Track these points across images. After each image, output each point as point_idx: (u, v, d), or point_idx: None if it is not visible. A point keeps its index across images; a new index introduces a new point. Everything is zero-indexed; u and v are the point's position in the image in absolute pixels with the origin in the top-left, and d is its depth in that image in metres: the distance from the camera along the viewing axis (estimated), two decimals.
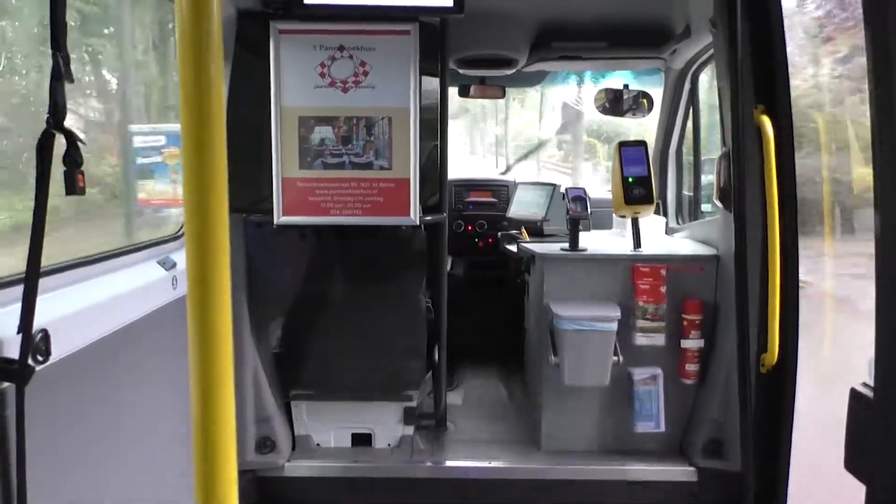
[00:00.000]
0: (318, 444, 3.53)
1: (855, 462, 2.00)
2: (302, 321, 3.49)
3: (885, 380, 1.86)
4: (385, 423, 3.52)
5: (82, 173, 1.56)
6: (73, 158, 1.55)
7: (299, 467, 3.40)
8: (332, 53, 3.02)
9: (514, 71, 4.50)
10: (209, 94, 0.91)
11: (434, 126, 3.28)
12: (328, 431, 3.53)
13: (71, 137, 1.55)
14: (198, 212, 0.92)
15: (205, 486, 0.95)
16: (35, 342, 1.64)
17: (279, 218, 3.06)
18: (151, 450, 2.46)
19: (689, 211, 4.60)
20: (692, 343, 3.33)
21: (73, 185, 1.55)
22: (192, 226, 0.92)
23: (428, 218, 3.20)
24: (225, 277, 0.94)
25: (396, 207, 3.08)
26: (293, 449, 3.49)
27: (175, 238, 2.90)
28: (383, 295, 3.48)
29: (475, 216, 5.04)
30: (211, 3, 0.90)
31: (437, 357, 3.49)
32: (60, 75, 1.51)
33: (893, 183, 1.77)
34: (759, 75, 2.92)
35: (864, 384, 1.93)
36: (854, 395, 1.97)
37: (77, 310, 1.96)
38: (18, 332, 1.58)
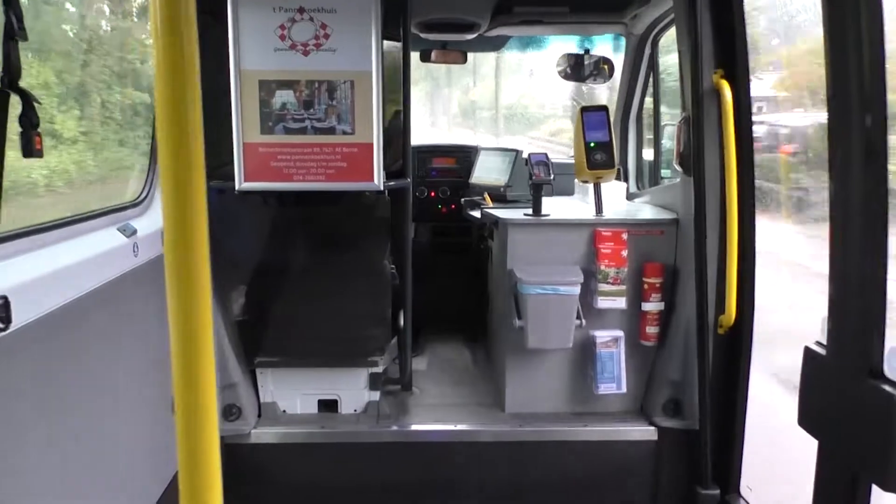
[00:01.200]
0: (284, 411, 3.53)
1: (808, 418, 2.07)
2: (265, 288, 3.46)
3: (837, 338, 1.93)
4: (351, 388, 3.54)
5: (39, 135, 1.52)
6: (30, 120, 1.50)
7: (266, 434, 3.40)
8: (291, 15, 2.96)
9: (475, 35, 4.47)
10: (183, 64, 0.89)
11: (397, 90, 3.26)
12: (294, 398, 3.53)
13: (27, 98, 1.50)
14: (175, 181, 0.91)
15: (188, 451, 0.95)
16: None
17: (241, 184, 3.02)
18: (116, 417, 2.44)
19: (650, 176, 4.66)
20: (652, 306, 3.40)
21: (31, 148, 1.51)
22: (170, 196, 0.91)
23: (391, 183, 3.18)
24: (203, 246, 0.93)
25: (360, 173, 3.06)
26: (259, 416, 3.48)
27: (135, 204, 2.84)
28: (347, 261, 3.47)
29: (438, 182, 5.03)
30: None
31: (401, 323, 3.50)
32: (14, 33, 1.46)
33: (847, 150, 1.82)
34: (719, 40, 2.95)
35: (818, 342, 2.00)
36: (808, 352, 2.04)
37: (37, 276, 1.92)
38: None
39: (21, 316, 1.75)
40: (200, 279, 0.93)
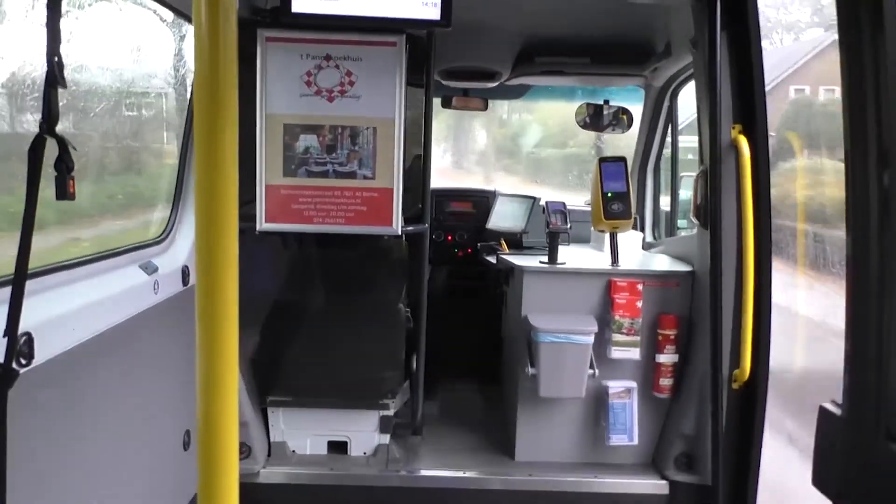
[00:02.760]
0: (293, 451, 3.52)
1: (822, 478, 2.04)
2: (281, 328, 3.49)
3: (853, 397, 1.91)
4: (361, 431, 3.53)
5: (73, 179, 1.56)
6: (65, 164, 1.55)
7: (275, 474, 3.39)
8: (318, 62, 3.04)
9: (496, 84, 4.54)
10: (223, 108, 0.92)
11: (418, 136, 3.31)
12: (304, 438, 3.53)
13: (63, 143, 1.55)
14: (209, 223, 0.93)
15: (207, 483, 0.97)
16: (19, 345, 1.64)
17: (262, 224, 3.06)
18: (135, 452, 2.45)
19: (666, 227, 4.67)
20: (667, 358, 3.39)
21: (65, 191, 1.55)
22: (203, 238, 0.94)
23: (410, 228, 3.21)
24: (233, 285, 0.96)
25: (379, 217, 3.10)
26: (269, 455, 3.48)
27: (157, 242, 2.89)
28: (363, 303, 3.49)
29: (455, 226, 5.06)
30: (229, 23, 0.91)
31: (414, 366, 3.50)
32: (55, 81, 1.52)
33: (864, 205, 1.83)
34: (738, 96, 2.99)
35: (833, 402, 1.98)
36: (823, 412, 2.02)
37: (60, 313, 1.95)
38: (3, 336, 1.58)
39: (44, 352, 1.78)
40: (229, 318, 0.96)
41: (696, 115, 3.34)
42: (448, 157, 10.12)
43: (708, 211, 3.04)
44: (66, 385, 1.97)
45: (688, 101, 4.25)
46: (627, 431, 3.42)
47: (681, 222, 4.52)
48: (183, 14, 2.83)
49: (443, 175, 8.45)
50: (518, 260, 3.65)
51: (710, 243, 3.00)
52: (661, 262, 3.70)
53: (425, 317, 3.44)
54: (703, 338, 3.21)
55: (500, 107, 8.54)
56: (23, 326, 1.64)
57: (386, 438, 3.54)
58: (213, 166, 0.93)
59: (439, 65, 4.15)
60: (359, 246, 3.41)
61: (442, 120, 8.17)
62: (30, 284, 1.80)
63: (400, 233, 3.14)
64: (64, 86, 1.53)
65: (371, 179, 3.09)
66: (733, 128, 2.98)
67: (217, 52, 0.91)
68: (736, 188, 2.94)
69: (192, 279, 3.03)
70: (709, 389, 3.05)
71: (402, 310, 3.51)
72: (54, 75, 1.51)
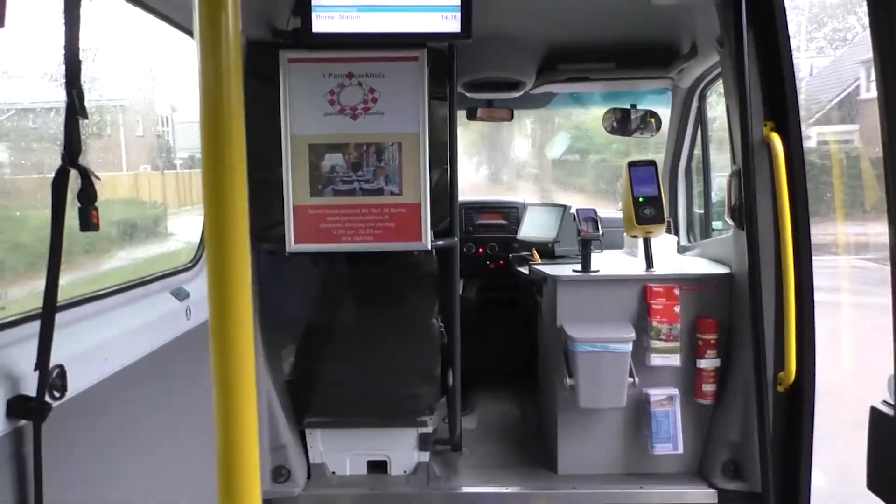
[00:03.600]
0: (333, 473, 3.50)
1: (877, 481, 1.96)
2: (315, 348, 3.48)
3: None
4: (400, 449, 3.50)
5: (96, 209, 1.57)
6: (88, 195, 1.56)
7: (315, 496, 3.37)
8: (341, 81, 3.04)
9: (521, 93, 4.52)
10: (230, 127, 0.91)
11: (444, 150, 3.29)
12: (343, 459, 3.51)
13: (86, 174, 1.56)
14: (219, 243, 0.92)
15: None
16: (51, 378, 1.64)
17: (291, 246, 3.07)
18: (171, 483, 2.45)
19: (701, 229, 4.59)
20: (708, 363, 3.31)
21: (88, 222, 1.56)
22: (214, 257, 0.92)
23: (439, 242, 3.19)
24: (247, 308, 0.94)
25: (408, 233, 3.08)
26: (308, 478, 3.46)
27: (187, 269, 2.90)
28: (396, 320, 3.47)
29: (486, 238, 5.04)
30: (230, 38, 0.90)
31: (451, 381, 3.47)
32: (75, 112, 1.53)
33: None
34: (768, 92, 2.92)
35: (885, 402, 1.91)
36: (874, 413, 1.95)
37: (92, 344, 1.96)
38: (35, 369, 1.58)
39: (77, 383, 1.78)
40: (243, 341, 0.94)
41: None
42: (483, 171, 9.50)
43: (743, 211, 2.97)
44: (101, 415, 1.97)
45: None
46: (671, 440, 3.35)
47: (716, 224, 4.44)
48: (187, 31, 2.83)
49: (477, 191, 7.98)
50: (551, 269, 3.61)
51: (746, 244, 2.93)
52: (698, 266, 3.62)
53: (459, 331, 3.40)
54: (744, 341, 3.13)
55: (549, 112, 7.76)
56: (55, 359, 1.64)
57: (426, 456, 3.50)
58: (221, 184, 0.91)
59: (462, 77, 4.14)
60: (389, 262, 3.39)
61: (475, 130, 7.86)
62: (62, 316, 1.81)
63: (430, 247, 3.12)
64: (85, 116, 1.54)
65: (398, 195, 3.07)
66: (765, 125, 2.92)
67: (221, 70, 0.90)
68: (770, 186, 2.87)
69: None
70: (753, 394, 2.97)
71: (435, 324, 3.48)
72: (75, 106, 1.52)
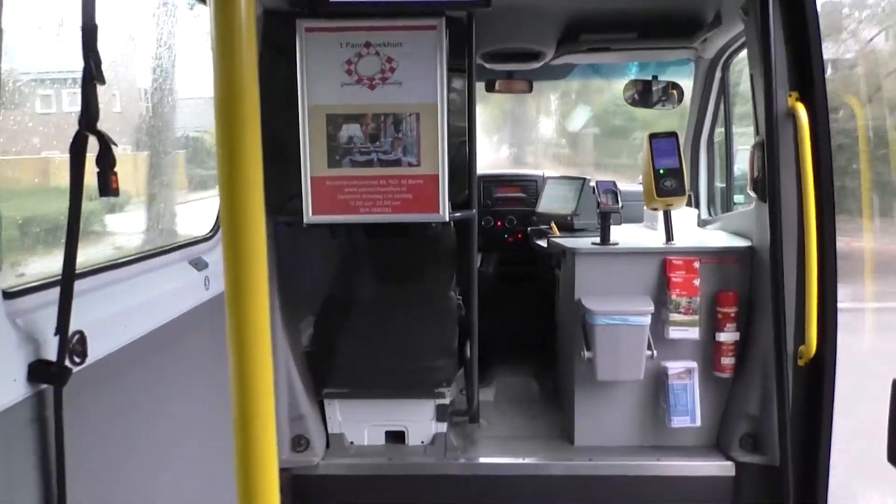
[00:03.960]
0: (351, 443, 3.54)
1: None
2: (333, 319, 3.50)
3: None
4: (418, 420, 3.52)
5: (115, 174, 1.57)
6: (107, 160, 1.56)
7: (334, 465, 3.41)
8: (358, 50, 3.01)
9: (541, 64, 4.46)
10: (243, 98, 0.90)
11: (462, 121, 3.27)
12: (361, 429, 3.54)
13: (104, 139, 1.56)
14: (234, 215, 0.92)
15: (246, 485, 0.95)
16: (72, 344, 1.66)
17: (309, 217, 3.06)
18: (191, 449, 2.49)
19: (722, 202, 4.53)
20: (727, 336, 3.29)
21: (108, 187, 1.57)
22: (229, 228, 0.92)
23: (457, 214, 3.18)
24: (262, 279, 0.94)
25: (425, 204, 3.07)
26: (327, 447, 3.50)
27: (206, 239, 2.92)
28: (414, 292, 3.48)
29: (504, 212, 5.01)
30: (243, 7, 0.89)
31: (468, 353, 3.48)
32: (92, 78, 1.53)
33: None
34: (794, 61, 2.87)
35: None
36: None
37: (112, 312, 1.98)
38: (55, 334, 1.60)
39: (97, 350, 1.80)
40: (259, 311, 0.94)
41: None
42: (505, 150, 8.65)
43: (766, 183, 2.93)
44: (121, 382, 2.00)
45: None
46: (689, 413, 3.34)
47: (737, 197, 4.38)
48: None
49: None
50: (569, 242, 3.59)
51: (769, 216, 2.89)
52: (718, 239, 3.59)
53: (477, 303, 3.40)
54: (764, 314, 3.11)
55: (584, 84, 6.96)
56: (75, 325, 1.66)
57: (443, 427, 3.52)
58: (235, 152, 0.91)
59: (481, 48, 4.09)
60: (407, 235, 3.39)
61: (496, 105, 7.53)
62: (81, 284, 1.83)
63: (448, 219, 3.10)
64: (102, 82, 1.53)
65: (416, 167, 3.06)
66: (790, 95, 2.86)
67: (235, 40, 0.89)
68: (795, 158, 2.83)
69: None
70: (773, 367, 2.95)
71: (453, 297, 3.49)
72: (91, 71, 1.52)
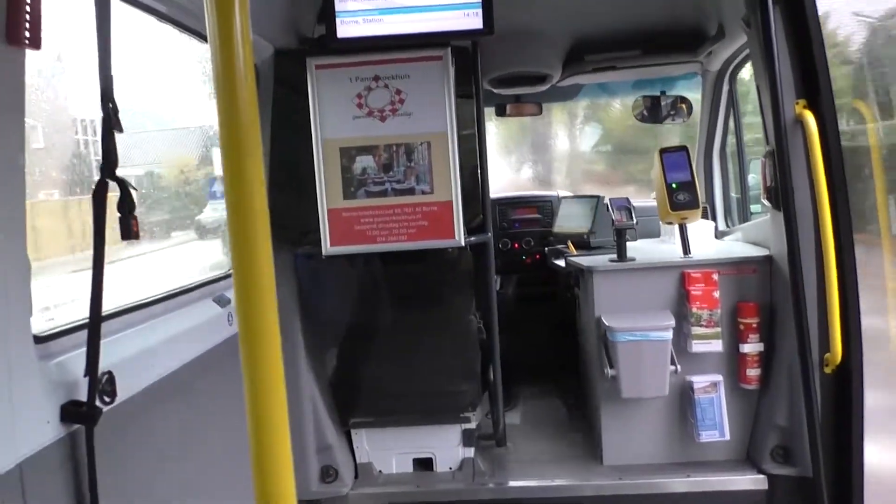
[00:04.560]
0: (380, 471, 3.54)
1: None
2: (356, 348, 3.52)
3: None
4: (445, 446, 3.52)
5: (136, 219, 1.62)
6: (127, 205, 1.61)
7: (363, 495, 3.42)
8: (367, 84, 3.08)
9: (548, 87, 4.51)
10: (247, 135, 0.94)
11: (473, 147, 3.31)
12: (389, 458, 3.54)
13: (124, 185, 1.61)
14: (243, 249, 0.95)
15: None
16: (101, 384, 1.70)
17: (327, 248, 3.11)
18: (219, 486, 2.51)
19: (739, 212, 4.53)
20: (751, 347, 3.26)
21: (129, 231, 1.61)
22: (239, 263, 0.95)
23: (473, 238, 3.21)
24: (272, 310, 0.97)
25: (441, 230, 3.10)
26: (356, 477, 3.51)
27: (228, 276, 2.97)
28: (434, 317, 3.49)
29: (521, 233, 5.04)
30: (243, 46, 0.93)
31: (491, 376, 3.48)
32: (111, 126, 1.58)
33: None
34: (799, 69, 2.88)
35: None
36: None
37: (139, 351, 2.02)
38: (85, 375, 1.64)
39: (125, 389, 1.84)
40: (271, 345, 0.97)
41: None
42: (527, 170, 7.98)
43: (779, 192, 2.93)
44: (149, 419, 2.03)
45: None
46: (717, 426, 3.31)
47: (754, 207, 4.38)
48: (202, 36, 2.83)
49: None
50: (586, 260, 3.60)
51: (784, 224, 2.89)
52: (736, 250, 3.58)
53: (497, 326, 3.41)
54: (787, 324, 3.09)
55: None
56: (103, 365, 1.70)
57: (470, 452, 3.52)
58: (240, 185, 0.94)
59: (488, 74, 4.15)
60: (425, 261, 3.42)
61: (512, 125, 7.32)
62: (108, 325, 1.87)
63: (463, 244, 3.13)
64: (120, 130, 1.59)
65: (430, 194, 3.10)
66: (797, 103, 2.87)
67: (235, 77, 0.93)
68: (806, 164, 2.83)
69: None
70: (799, 377, 2.92)
71: (473, 321, 3.50)
72: (110, 120, 1.57)
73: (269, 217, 0.96)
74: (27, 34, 1.45)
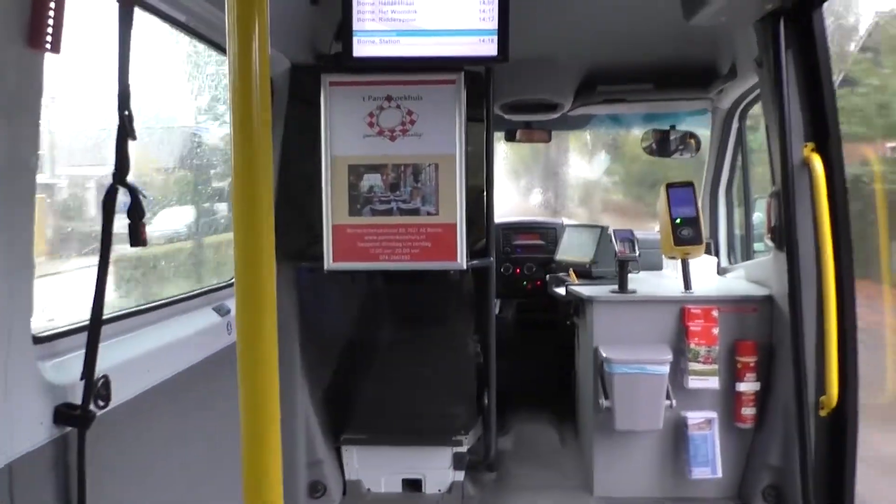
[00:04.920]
0: (368, 490, 3.53)
1: None
2: (352, 365, 3.52)
3: None
4: (435, 468, 3.51)
5: (144, 226, 1.64)
6: (136, 212, 1.63)
7: None
8: (380, 103, 3.11)
9: (559, 115, 4.54)
10: (258, 151, 0.95)
11: (481, 171, 3.33)
12: (379, 476, 3.53)
13: (134, 192, 1.63)
14: (247, 263, 0.96)
15: None
16: (97, 388, 1.71)
17: (330, 264, 3.12)
18: (209, 493, 2.50)
19: (742, 250, 4.53)
20: (747, 386, 3.26)
21: (137, 237, 1.63)
22: (242, 276, 0.96)
23: (475, 262, 3.22)
24: (272, 324, 0.98)
25: (444, 252, 3.12)
26: (344, 494, 3.49)
27: (229, 285, 2.98)
28: (432, 339, 3.50)
29: (523, 259, 5.04)
30: (261, 61, 0.94)
31: (486, 401, 3.48)
32: (125, 134, 1.60)
33: None
34: (808, 113, 2.90)
35: None
36: None
37: (136, 356, 2.03)
38: (81, 379, 1.64)
39: (121, 393, 1.85)
40: (269, 357, 0.98)
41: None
42: (538, 196, 7.99)
43: (783, 232, 2.94)
44: (143, 425, 2.03)
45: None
46: (710, 464, 3.30)
47: (757, 245, 4.38)
48: (219, 47, 2.86)
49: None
50: (587, 290, 3.60)
51: (787, 265, 2.90)
52: (737, 287, 3.58)
53: (494, 350, 3.42)
54: (785, 364, 3.08)
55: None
56: (100, 369, 1.71)
57: (460, 475, 3.51)
58: (249, 202, 0.96)
59: (500, 99, 4.18)
60: (426, 282, 3.43)
61: (524, 149, 7.05)
62: (107, 329, 1.88)
63: (465, 267, 3.14)
64: (134, 138, 1.61)
65: (435, 215, 3.11)
66: (805, 146, 2.89)
67: (250, 91, 0.94)
68: (811, 207, 2.84)
69: None
70: (794, 418, 2.92)
71: (471, 344, 3.50)
72: (125, 129, 1.59)
73: (274, 231, 0.97)
74: (48, 38, 1.47)
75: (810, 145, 2.87)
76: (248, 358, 0.98)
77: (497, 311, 3.67)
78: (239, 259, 0.98)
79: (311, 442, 3.36)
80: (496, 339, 3.44)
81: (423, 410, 3.45)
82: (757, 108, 4.08)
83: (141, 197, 1.64)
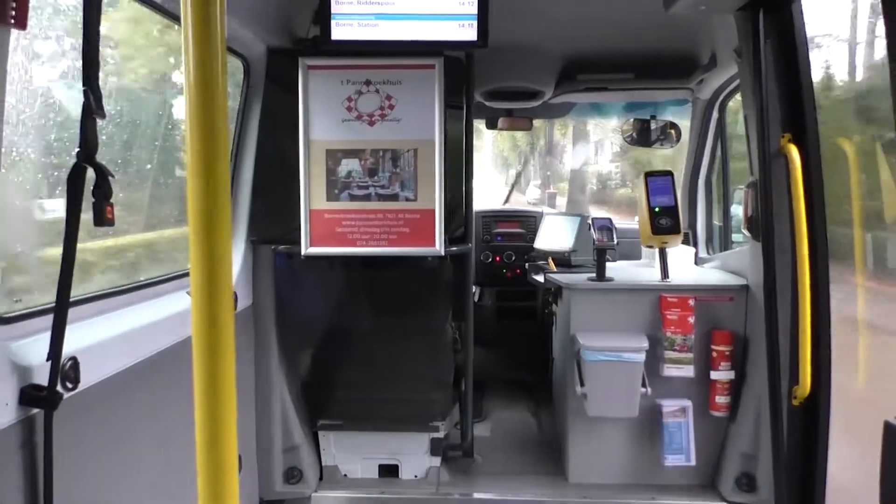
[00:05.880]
0: (345, 475, 3.53)
1: (891, 497, 1.94)
2: (329, 351, 3.51)
3: None
4: (412, 454, 3.51)
5: (111, 205, 1.61)
6: (103, 191, 1.60)
7: (326, 498, 3.40)
8: (358, 88, 3.08)
9: (540, 103, 4.53)
10: (214, 128, 0.93)
11: (460, 158, 3.32)
12: (355, 462, 3.53)
13: (101, 171, 1.60)
14: (202, 241, 0.94)
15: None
16: (64, 369, 1.68)
17: (307, 249, 3.10)
18: (180, 478, 2.49)
19: (720, 241, 4.56)
20: (722, 375, 3.28)
21: (102, 217, 1.60)
22: (197, 255, 0.95)
23: (453, 248, 3.21)
24: (228, 304, 0.96)
25: (422, 238, 3.11)
26: (321, 479, 3.49)
27: None
28: (410, 325, 3.49)
29: (503, 247, 5.05)
30: (216, 37, 0.92)
31: (463, 387, 3.48)
32: (91, 111, 1.57)
33: None
34: (786, 103, 2.91)
35: None
36: (888, 428, 1.92)
37: (107, 338, 2.00)
38: (48, 360, 1.62)
39: (90, 376, 1.82)
40: (224, 333, 0.96)
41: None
42: (534, 191, 7.40)
43: (759, 222, 2.96)
44: (113, 408, 2.01)
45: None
46: (684, 451, 3.32)
47: (735, 236, 4.41)
48: (172, 16, 2.78)
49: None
50: (565, 278, 3.61)
51: (763, 255, 2.92)
52: (714, 277, 3.60)
53: (472, 337, 3.42)
54: (759, 353, 3.11)
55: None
56: (69, 351, 1.68)
57: (437, 461, 3.51)
58: (203, 172, 0.94)
59: (481, 86, 4.16)
60: (404, 268, 3.42)
61: (515, 134, 6.72)
62: (77, 310, 1.86)
63: (443, 253, 3.14)
64: (102, 116, 1.58)
65: (413, 201, 3.10)
66: (782, 136, 2.90)
67: (207, 65, 0.92)
68: (788, 197, 2.86)
69: (241, 303, 3.08)
70: (768, 407, 2.94)
71: (449, 331, 3.50)
72: (91, 105, 1.56)
73: (230, 209, 0.96)
74: (13, 13, 1.44)
75: (787, 136, 2.88)
76: (203, 343, 0.97)
77: (476, 298, 3.67)
78: (195, 244, 0.96)
79: (288, 427, 3.34)
80: (475, 327, 3.44)
81: (400, 396, 3.44)
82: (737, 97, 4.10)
83: (110, 177, 1.61)
